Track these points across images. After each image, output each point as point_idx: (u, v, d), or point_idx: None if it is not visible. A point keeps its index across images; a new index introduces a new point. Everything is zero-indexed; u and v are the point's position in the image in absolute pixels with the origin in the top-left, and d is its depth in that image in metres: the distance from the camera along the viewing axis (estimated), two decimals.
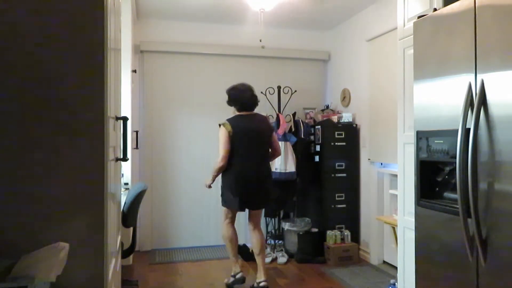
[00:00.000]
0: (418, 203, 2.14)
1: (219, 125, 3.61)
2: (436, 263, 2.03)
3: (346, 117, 4.74)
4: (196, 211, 5.06)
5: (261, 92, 5.03)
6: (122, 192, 3.03)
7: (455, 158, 1.79)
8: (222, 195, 3.74)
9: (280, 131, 4.60)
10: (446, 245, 1.95)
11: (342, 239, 4.43)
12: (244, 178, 3.56)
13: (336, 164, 4.64)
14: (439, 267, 2.00)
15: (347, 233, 4.46)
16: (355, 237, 4.57)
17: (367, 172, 4.54)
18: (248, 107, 3.64)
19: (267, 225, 4.95)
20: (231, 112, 3.72)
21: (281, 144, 4.57)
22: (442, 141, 1.97)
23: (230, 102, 3.68)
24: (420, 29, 2.17)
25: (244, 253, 4.51)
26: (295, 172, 4.58)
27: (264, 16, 4.20)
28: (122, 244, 2.74)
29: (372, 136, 4.42)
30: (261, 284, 3.55)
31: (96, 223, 1.47)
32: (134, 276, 3.95)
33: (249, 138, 3.57)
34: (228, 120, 3.61)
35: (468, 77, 1.79)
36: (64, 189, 1.43)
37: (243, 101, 3.62)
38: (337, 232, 4.44)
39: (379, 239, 4.35)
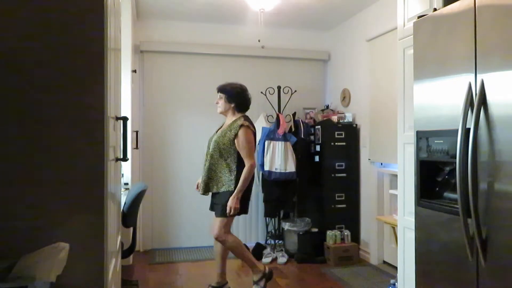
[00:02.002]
0: (418, 203, 2.14)
1: (241, 126, 3.29)
2: (436, 263, 2.03)
3: (346, 117, 4.74)
4: (196, 211, 5.05)
5: (261, 92, 5.04)
6: (122, 192, 3.03)
7: (455, 158, 1.79)
8: (241, 204, 3.27)
9: (280, 131, 4.60)
10: (446, 245, 1.95)
11: (342, 239, 4.43)
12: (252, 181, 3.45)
13: (336, 164, 4.64)
14: (439, 267, 2.00)
15: (347, 233, 4.46)
16: (355, 237, 4.57)
17: (367, 172, 4.54)
18: (248, 109, 3.55)
19: (267, 225, 4.95)
20: (219, 110, 3.48)
21: (281, 144, 4.58)
22: (442, 141, 1.97)
23: (238, 100, 3.43)
24: (420, 29, 2.17)
25: None
26: (295, 172, 4.58)
27: (264, 16, 4.20)
28: (122, 244, 2.74)
29: (372, 136, 4.42)
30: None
31: (96, 223, 1.47)
32: (134, 276, 3.95)
33: (256, 139, 3.49)
34: (245, 119, 3.38)
35: (468, 77, 1.79)
36: (64, 189, 1.43)
37: (249, 102, 3.51)
38: (337, 232, 4.44)
39: (379, 239, 4.35)
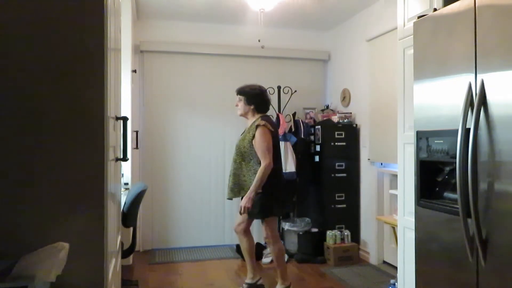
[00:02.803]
0: (418, 203, 2.14)
1: (257, 126, 3.28)
2: (436, 263, 2.02)
3: (347, 117, 4.74)
4: (196, 211, 5.06)
5: None
6: (122, 192, 3.03)
7: (455, 158, 1.79)
8: (264, 206, 3.26)
9: (280, 131, 4.60)
10: (446, 245, 1.95)
11: (342, 239, 4.43)
12: (283, 182, 3.47)
13: (336, 164, 4.64)
14: (439, 267, 2.00)
15: (347, 233, 4.46)
16: (355, 237, 4.57)
17: (367, 172, 4.54)
18: (268, 109, 3.55)
19: None
20: (239, 112, 3.49)
21: (281, 144, 4.57)
22: (442, 141, 1.97)
23: (257, 101, 3.43)
24: (420, 29, 2.17)
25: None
26: (295, 172, 4.58)
27: (264, 16, 4.20)
28: (122, 244, 2.74)
29: (372, 136, 4.42)
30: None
31: (96, 223, 1.47)
32: (134, 276, 3.95)
33: (278, 140, 3.49)
34: (263, 119, 3.36)
35: (468, 77, 1.79)
36: (64, 189, 1.43)
37: (268, 103, 3.52)
38: (337, 232, 4.44)
39: (379, 239, 4.35)
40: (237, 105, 3.49)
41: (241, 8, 4.35)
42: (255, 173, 3.25)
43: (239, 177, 3.35)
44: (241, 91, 3.47)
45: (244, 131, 3.51)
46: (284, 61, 5.34)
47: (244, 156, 3.33)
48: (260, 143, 3.24)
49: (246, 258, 3.58)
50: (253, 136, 3.28)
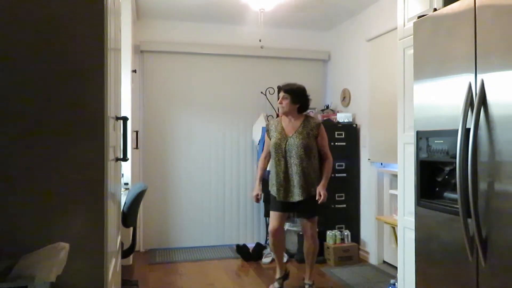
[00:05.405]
0: (418, 203, 2.15)
1: (320, 124, 3.52)
2: (436, 263, 2.03)
3: (346, 117, 4.74)
4: (196, 211, 5.06)
5: (261, 92, 5.05)
6: (122, 192, 3.03)
7: (455, 158, 1.79)
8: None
9: None
10: (446, 245, 1.95)
11: (342, 239, 4.43)
12: None
13: (336, 164, 4.63)
14: (439, 267, 2.00)
15: (347, 233, 4.46)
16: (355, 237, 4.57)
17: (367, 172, 4.54)
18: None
19: (267, 225, 4.94)
20: (284, 110, 3.47)
21: None
22: (442, 141, 1.97)
23: (303, 101, 3.53)
24: (420, 29, 2.17)
25: (245, 253, 4.54)
26: None
27: (264, 16, 4.20)
28: (122, 244, 2.74)
29: (372, 136, 4.42)
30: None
31: (96, 223, 1.47)
32: (134, 276, 3.95)
33: None
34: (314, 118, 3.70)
35: (468, 77, 1.80)
36: (64, 189, 1.43)
37: (309, 104, 3.72)
38: (337, 232, 4.44)
39: (379, 239, 4.35)
40: (281, 103, 3.49)
41: (241, 8, 4.35)
42: (315, 170, 3.42)
43: (309, 175, 3.39)
44: (288, 90, 3.48)
45: (279, 131, 3.48)
46: (284, 61, 5.34)
47: (310, 154, 3.41)
48: (326, 140, 3.50)
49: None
50: (318, 134, 3.44)
